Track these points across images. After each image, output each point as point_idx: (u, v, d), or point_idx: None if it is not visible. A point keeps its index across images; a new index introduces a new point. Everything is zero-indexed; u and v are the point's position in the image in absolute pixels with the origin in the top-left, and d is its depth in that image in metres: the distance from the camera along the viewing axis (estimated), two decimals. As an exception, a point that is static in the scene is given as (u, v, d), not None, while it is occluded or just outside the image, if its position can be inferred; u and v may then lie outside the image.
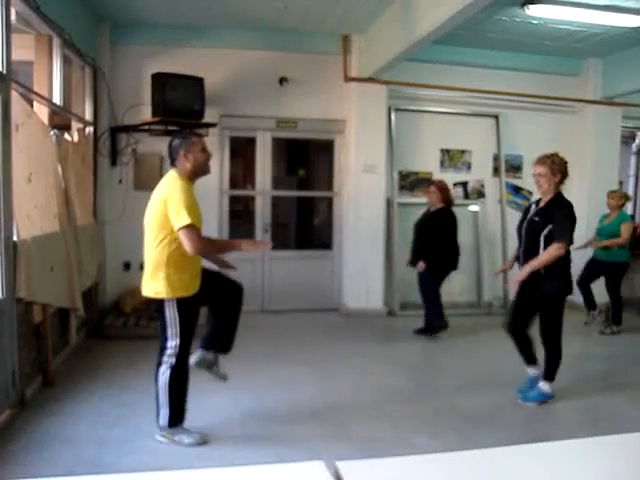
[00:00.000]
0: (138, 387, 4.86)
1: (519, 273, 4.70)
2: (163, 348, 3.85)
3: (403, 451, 3.80)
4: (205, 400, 4.62)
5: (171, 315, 3.76)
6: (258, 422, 4.27)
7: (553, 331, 4.71)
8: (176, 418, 3.88)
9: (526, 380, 4.95)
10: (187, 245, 3.59)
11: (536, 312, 4.77)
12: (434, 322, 6.77)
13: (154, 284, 3.77)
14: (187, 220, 3.55)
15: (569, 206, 4.62)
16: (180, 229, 3.57)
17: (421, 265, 6.64)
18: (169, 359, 3.83)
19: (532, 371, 4.93)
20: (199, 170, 3.87)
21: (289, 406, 4.59)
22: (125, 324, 6.63)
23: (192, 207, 3.62)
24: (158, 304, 3.81)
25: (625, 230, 7.06)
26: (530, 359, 4.92)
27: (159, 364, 3.88)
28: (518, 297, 4.91)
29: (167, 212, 3.61)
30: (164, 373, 3.84)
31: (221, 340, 4.14)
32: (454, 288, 8.05)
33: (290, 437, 4.03)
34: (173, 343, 3.80)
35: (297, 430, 4.15)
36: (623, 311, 7.35)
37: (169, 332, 3.79)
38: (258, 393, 4.86)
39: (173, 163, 3.88)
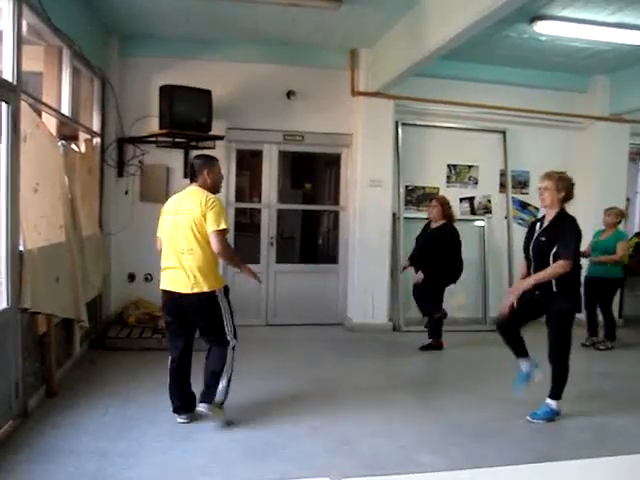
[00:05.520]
0: (142, 400, 4.85)
1: (520, 282, 4.78)
2: (224, 339, 4.35)
3: (408, 468, 3.77)
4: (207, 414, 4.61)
5: (224, 303, 4.33)
6: (262, 436, 4.23)
7: (562, 349, 4.69)
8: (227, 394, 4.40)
9: (519, 376, 4.91)
10: (216, 245, 4.19)
11: (531, 319, 4.82)
12: (437, 312, 6.81)
13: (210, 281, 4.26)
14: (224, 225, 4.19)
15: (572, 221, 4.65)
16: (215, 231, 4.17)
17: (419, 276, 6.69)
18: (232, 342, 4.37)
19: (524, 364, 4.88)
20: (216, 188, 4.46)
21: (293, 421, 4.55)
22: (129, 336, 6.61)
23: (226, 217, 4.30)
24: (209, 299, 4.27)
25: (621, 248, 7.08)
26: (520, 352, 4.87)
27: (223, 350, 4.36)
28: (520, 302, 4.79)
29: (206, 218, 4.18)
30: (230, 355, 4.38)
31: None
32: (459, 304, 8.07)
33: (295, 452, 3.99)
34: (231, 333, 4.36)
35: (301, 445, 4.11)
36: (623, 327, 7.30)
37: (226, 322, 4.34)
38: (261, 407, 4.82)
39: (194, 179, 4.42)
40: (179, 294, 4.28)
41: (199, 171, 4.39)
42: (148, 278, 7.48)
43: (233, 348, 4.40)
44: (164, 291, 4.41)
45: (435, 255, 6.57)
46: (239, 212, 8.20)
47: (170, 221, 4.35)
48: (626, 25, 6.26)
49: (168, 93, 6.78)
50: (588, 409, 5.01)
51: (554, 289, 4.59)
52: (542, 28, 6.39)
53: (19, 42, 4.21)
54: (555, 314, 4.67)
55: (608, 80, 8.49)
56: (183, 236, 4.24)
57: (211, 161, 4.49)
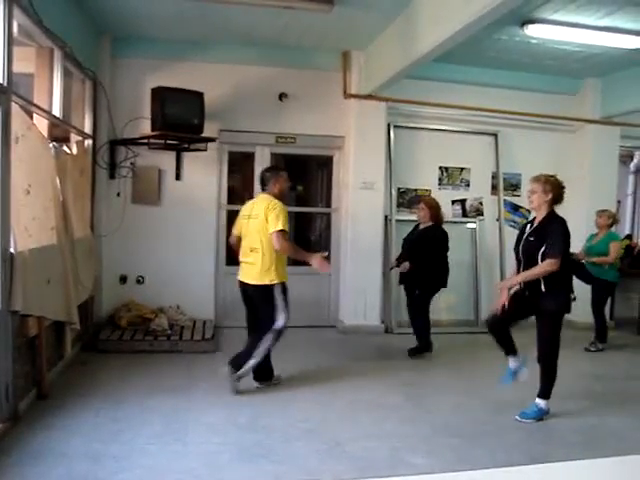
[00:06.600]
0: (133, 402, 4.84)
1: (507, 279, 4.80)
2: (269, 323, 5.07)
3: (400, 470, 3.79)
4: (201, 416, 4.60)
5: (280, 296, 5.09)
6: (254, 438, 4.22)
7: (550, 349, 4.75)
8: (254, 372, 5.24)
9: (507, 372, 5.03)
10: (276, 243, 4.97)
11: (521, 319, 4.89)
12: (419, 343, 6.69)
13: (269, 276, 5.07)
14: (281, 226, 4.96)
15: (562, 222, 4.72)
16: (275, 231, 4.96)
17: (406, 265, 6.61)
18: (275, 333, 5.08)
19: (512, 362, 4.98)
20: (282, 194, 5.30)
21: (285, 423, 4.55)
22: (120, 338, 6.58)
23: (285, 219, 5.01)
24: (267, 291, 5.08)
25: (614, 249, 7.09)
26: (509, 350, 4.97)
27: (263, 334, 5.08)
28: (511, 302, 4.87)
29: (268, 221, 4.98)
30: (268, 340, 5.09)
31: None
32: (451, 305, 8.09)
33: (287, 454, 3.99)
34: (281, 322, 5.08)
35: (294, 447, 4.11)
36: (614, 329, 7.33)
37: (278, 311, 5.08)
38: (254, 409, 4.82)
39: (264, 188, 5.33)
40: (246, 284, 5.22)
41: (267, 182, 5.30)
42: (140, 280, 7.47)
43: (275, 335, 5.10)
44: (238, 280, 5.33)
45: (423, 256, 6.54)
46: (231, 214, 8.17)
47: (245, 224, 5.26)
48: (617, 29, 6.30)
49: (160, 95, 6.76)
50: (580, 410, 5.04)
51: (542, 289, 4.65)
52: (533, 31, 6.42)
53: (10, 43, 4.18)
54: (543, 314, 4.73)
55: (599, 83, 8.54)
56: (252, 237, 5.15)
57: (277, 173, 5.37)
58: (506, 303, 4.84)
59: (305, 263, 5.32)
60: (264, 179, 5.37)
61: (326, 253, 5.59)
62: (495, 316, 4.96)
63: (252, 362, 5.08)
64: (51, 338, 5.23)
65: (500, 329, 4.94)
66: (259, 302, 5.20)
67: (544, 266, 4.57)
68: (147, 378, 5.49)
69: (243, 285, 5.29)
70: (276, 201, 5.12)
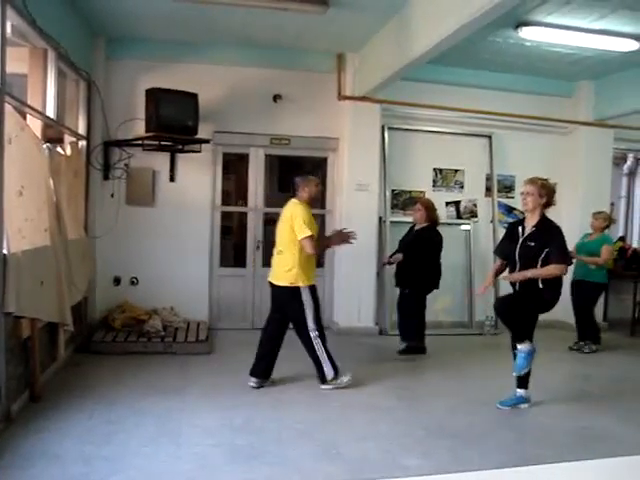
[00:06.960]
0: (127, 403, 4.82)
1: (513, 274, 4.95)
2: (306, 329, 5.32)
3: (394, 472, 3.78)
4: (195, 418, 4.60)
5: (307, 298, 5.30)
6: (248, 440, 4.21)
7: (528, 328, 4.92)
8: (335, 367, 5.40)
9: (515, 398, 5.07)
10: (307, 248, 5.25)
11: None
12: (415, 342, 6.66)
13: (292, 277, 5.29)
14: (308, 233, 5.22)
15: (560, 229, 4.88)
16: (303, 238, 5.23)
17: (398, 257, 6.70)
18: (314, 332, 5.32)
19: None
20: (312, 199, 5.56)
21: (279, 425, 4.54)
22: (114, 340, 6.57)
23: (310, 224, 5.30)
24: (293, 293, 5.29)
25: (606, 252, 7.10)
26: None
27: (308, 339, 5.34)
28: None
29: (294, 228, 5.24)
30: (317, 342, 5.33)
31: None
32: (445, 307, 8.09)
33: (280, 456, 3.98)
34: (313, 325, 5.32)
35: (287, 449, 4.10)
36: (607, 331, 7.34)
37: (308, 315, 5.31)
38: (248, 411, 4.81)
39: (294, 194, 5.53)
40: (272, 283, 5.49)
41: (297, 187, 5.51)
42: (134, 282, 7.46)
43: (315, 337, 5.32)
44: (268, 280, 5.60)
45: (418, 257, 6.54)
46: (225, 215, 8.17)
47: (277, 227, 5.56)
48: (610, 32, 6.33)
49: (154, 96, 6.76)
50: (573, 412, 5.06)
51: (540, 286, 4.79)
52: (527, 34, 6.44)
53: (3, 44, 4.17)
54: (532, 302, 4.87)
55: (593, 85, 8.56)
56: (279, 240, 5.46)
57: (307, 179, 5.55)
58: (491, 282, 5.42)
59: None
60: (294, 185, 5.59)
61: (338, 229, 5.99)
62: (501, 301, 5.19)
63: (326, 367, 5.38)
64: (44, 340, 5.21)
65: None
66: (286, 302, 5.42)
67: (552, 269, 4.73)
68: (141, 380, 5.47)
69: (271, 285, 5.54)
70: (300, 207, 5.37)
